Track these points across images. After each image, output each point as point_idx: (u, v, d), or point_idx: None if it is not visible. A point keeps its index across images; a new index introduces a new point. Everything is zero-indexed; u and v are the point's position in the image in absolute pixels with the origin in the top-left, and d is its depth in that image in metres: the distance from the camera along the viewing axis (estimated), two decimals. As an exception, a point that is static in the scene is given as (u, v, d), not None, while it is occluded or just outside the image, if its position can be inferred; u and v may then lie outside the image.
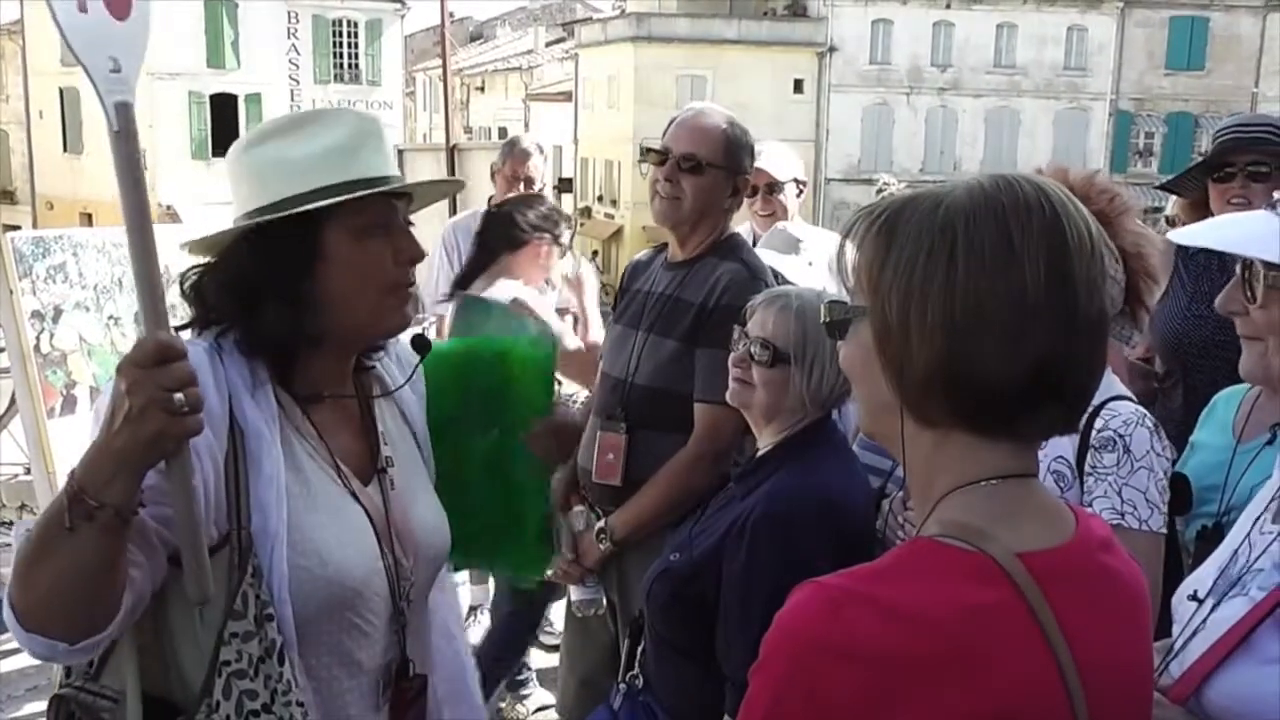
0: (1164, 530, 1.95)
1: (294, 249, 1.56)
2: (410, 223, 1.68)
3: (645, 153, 2.89)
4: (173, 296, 1.52)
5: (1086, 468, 1.97)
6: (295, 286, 1.57)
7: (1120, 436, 1.95)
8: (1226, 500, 2.05)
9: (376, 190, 1.59)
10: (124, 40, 1.36)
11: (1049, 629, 1.03)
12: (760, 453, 2.29)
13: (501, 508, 1.82)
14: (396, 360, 1.84)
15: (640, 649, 2.37)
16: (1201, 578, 1.58)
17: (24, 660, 4.04)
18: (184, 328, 1.57)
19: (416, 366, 1.82)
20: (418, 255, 1.65)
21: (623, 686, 2.39)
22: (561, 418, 1.83)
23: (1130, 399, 2.05)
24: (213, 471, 1.46)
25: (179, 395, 1.29)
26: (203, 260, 1.64)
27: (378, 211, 1.60)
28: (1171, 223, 4.54)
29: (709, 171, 2.83)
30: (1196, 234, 1.87)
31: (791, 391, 2.22)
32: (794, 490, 2.15)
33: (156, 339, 1.32)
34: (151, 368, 1.29)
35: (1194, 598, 1.55)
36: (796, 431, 2.24)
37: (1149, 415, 2.01)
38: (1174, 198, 4.86)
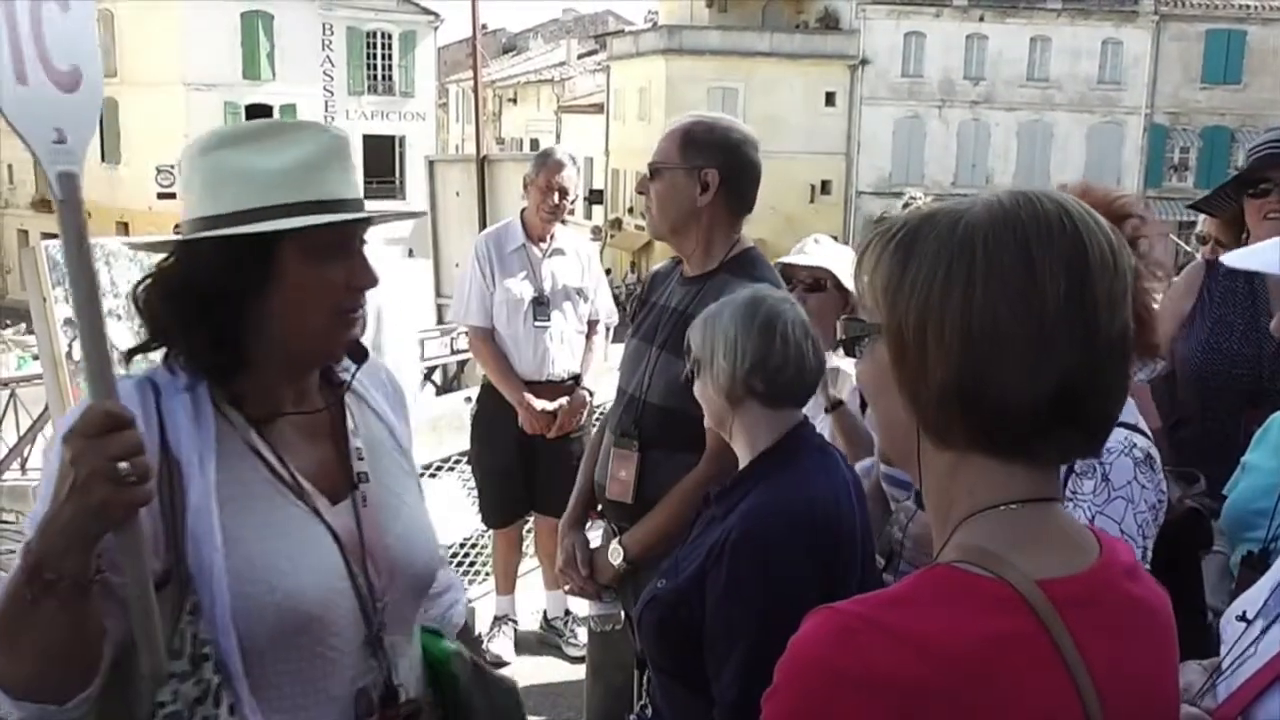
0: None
1: (245, 264, 1.51)
2: (364, 241, 1.61)
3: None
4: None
5: (1067, 493, 1.87)
6: (241, 302, 1.51)
7: (1100, 464, 1.87)
8: (1276, 527, 2.00)
9: (343, 218, 1.53)
10: (71, 111, 1.36)
11: (1070, 658, 1.01)
12: (741, 469, 2.23)
13: None
14: (381, 384, 1.78)
15: (647, 677, 2.33)
16: (1252, 598, 1.56)
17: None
18: (133, 353, 1.53)
19: (354, 374, 1.69)
20: (370, 282, 1.58)
21: (632, 718, 2.37)
22: None
23: (1134, 428, 1.94)
24: (146, 512, 1.39)
25: (124, 464, 1.27)
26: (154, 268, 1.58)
27: (336, 234, 1.54)
28: (1205, 240, 4.48)
29: (664, 174, 2.92)
30: (1245, 257, 1.85)
31: (712, 395, 2.18)
32: (769, 507, 2.08)
33: (103, 407, 1.30)
34: (97, 437, 1.27)
35: (1243, 618, 1.53)
36: (772, 445, 2.18)
37: (1141, 447, 1.90)
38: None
